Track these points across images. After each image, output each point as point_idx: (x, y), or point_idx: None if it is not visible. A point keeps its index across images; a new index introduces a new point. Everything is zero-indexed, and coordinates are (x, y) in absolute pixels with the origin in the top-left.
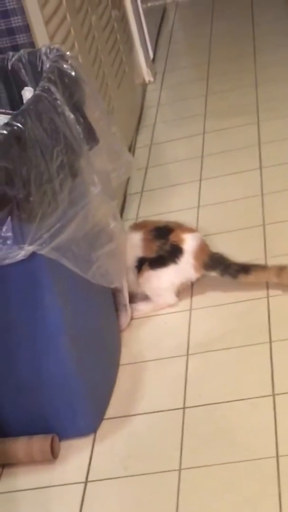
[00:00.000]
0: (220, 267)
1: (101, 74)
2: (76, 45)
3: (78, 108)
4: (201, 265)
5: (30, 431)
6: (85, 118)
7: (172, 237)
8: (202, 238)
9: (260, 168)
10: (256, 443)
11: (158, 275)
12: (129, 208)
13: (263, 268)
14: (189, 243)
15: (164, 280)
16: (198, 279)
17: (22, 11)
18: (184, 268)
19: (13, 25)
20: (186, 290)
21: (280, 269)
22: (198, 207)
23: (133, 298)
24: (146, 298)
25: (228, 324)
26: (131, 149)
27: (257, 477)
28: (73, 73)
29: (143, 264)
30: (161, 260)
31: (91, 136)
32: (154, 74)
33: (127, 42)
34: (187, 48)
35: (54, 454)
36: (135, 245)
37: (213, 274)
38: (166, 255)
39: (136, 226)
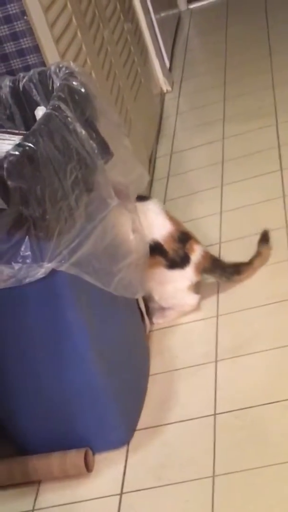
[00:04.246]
0: (217, 271)
1: (116, 88)
2: (88, 61)
3: (90, 124)
4: (200, 271)
5: (63, 446)
6: (97, 133)
7: (188, 246)
8: (206, 249)
9: (281, 169)
10: None
11: (167, 278)
12: None
13: (247, 264)
14: (197, 253)
15: (173, 284)
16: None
17: (31, 32)
18: (186, 275)
19: (23, 46)
20: (211, 296)
21: (258, 254)
22: (221, 212)
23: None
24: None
25: (255, 328)
26: (152, 159)
27: None
28: (83, 90)
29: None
30: (173, 263)
31: (105, 150)
32: (172, 83)
33: (142, 54)
34: (203, 55)
35: (88, 468)
36: (162, 232)
37: (211, 276)
38: (178, 260)
39: (170, 217)
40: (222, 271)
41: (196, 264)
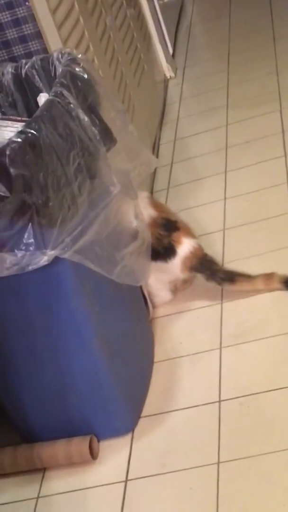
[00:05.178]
0: (206, 272)
1: (119, 74)
2: (91, 47)
3: (93, 110)
4: (188, 268)
5: (68, 433)
6: (100, 119)
7: (174, 236)
8: (199, 244)
9: (285, 155)
10: None
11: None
12: None
13: (249, 277)
14: (185, 247)
15: (153, 278)
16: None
17: (33, 18)
18: (171, 268)
19: (25, 32)
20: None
21: (268, 277)
22: (225, 199)
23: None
24: None
25: (259, 314)
26: (155, 145)
27: None
28: (85, 76)
29: None
30: (155, 253)
31: (108, 137)
32: (175, 70)
33: (144, 40)
34: (207, 41)
35: (93, 455)
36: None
37: (199, 276)
38: (162, 251)
39: (155, 203)
40: (212, 274)
41: (183, 260)
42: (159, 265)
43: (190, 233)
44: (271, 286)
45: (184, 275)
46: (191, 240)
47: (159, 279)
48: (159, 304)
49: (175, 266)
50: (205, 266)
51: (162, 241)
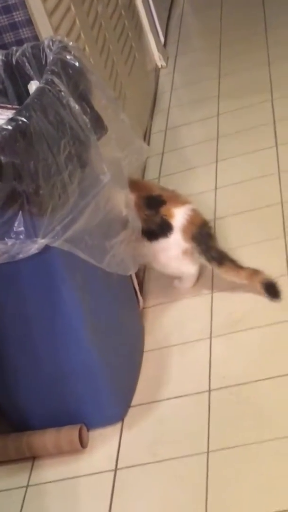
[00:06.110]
0: (202, 246)
1: (110, 63)
2: (82, 35)
3: (84, 98)
4: (190, 237)
5: (58, 422)
6: (91, 107)
7: (163, 211)
8: (194, 209)
9: (276, 145)
10: (283, 421)
11: (153, 249)
12: None
13: (236, 266)
14: (179, 217)
15: (163, 254)
16: None
17: (23, 5)
18: (175, 242)
19: (16, 19)
20: (206, 272)
21: (254, 273)
22: (216, 188)
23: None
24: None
25: (250, 304)
26: (147, 135)
27: (285, 455)
28: (76, 64)
29: None
30: (152, 234)
31: (99, 125)
32: (166, 59)
33: (136, 29)
34: (198, 31)
35: (83, 444)
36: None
37: (195, 248)
38: (157, 229)
39: (132, 184)
40: (206, 249)
41: (183, 230)
42: (162, 243)
43: (179, 201)
44: (253, 282)
45: (188, 244)
46: (182, 208)
47: (171, 258)
48: (190, 279)
49: (177, 239)
50: (204, 238)
51: (153, 220)
